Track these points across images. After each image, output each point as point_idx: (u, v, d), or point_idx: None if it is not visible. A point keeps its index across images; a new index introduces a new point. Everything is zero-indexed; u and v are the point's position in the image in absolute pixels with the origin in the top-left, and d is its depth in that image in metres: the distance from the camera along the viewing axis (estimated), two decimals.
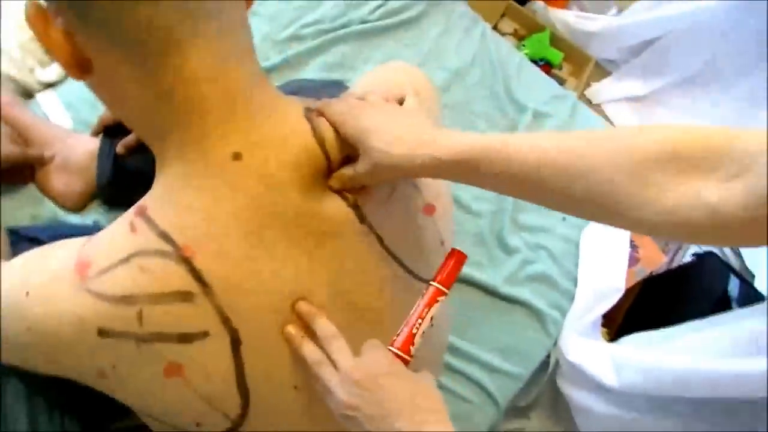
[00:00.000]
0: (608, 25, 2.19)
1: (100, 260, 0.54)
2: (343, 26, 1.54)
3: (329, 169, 0.61)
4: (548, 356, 1.40)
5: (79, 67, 0.54)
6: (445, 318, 0.97)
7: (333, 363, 0.59)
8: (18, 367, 0.64)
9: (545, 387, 1.45)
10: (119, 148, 1.11)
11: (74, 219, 1.10)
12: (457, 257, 0.66)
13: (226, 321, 0.56)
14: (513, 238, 1.42)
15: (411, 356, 0.61)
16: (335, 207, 0.62)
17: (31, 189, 1.15)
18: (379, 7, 1.61)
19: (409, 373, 0.59)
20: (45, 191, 1.15)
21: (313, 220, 0.60)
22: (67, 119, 1.25)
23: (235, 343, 0.57)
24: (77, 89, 1.29)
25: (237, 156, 0.56)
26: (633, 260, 1.61)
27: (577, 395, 1.41)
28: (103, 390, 0.60)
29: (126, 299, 0.53)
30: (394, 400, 0.56)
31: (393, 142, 0.57)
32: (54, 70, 1.31)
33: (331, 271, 0.63)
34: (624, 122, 2.10)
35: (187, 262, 0.54)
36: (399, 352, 0.61)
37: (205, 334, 0.55)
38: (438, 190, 0.73)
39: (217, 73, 0.53)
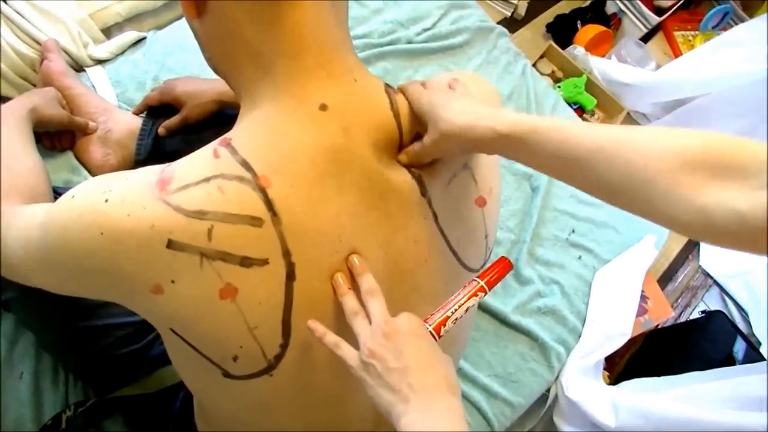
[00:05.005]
0: (645, 79, 2.21)
1: (181, 178, 0.57)
2: (390, 43, 1.59)
3: (400, 143, 0.68)
4: (548, 390, 1.41)
5: (197, 6, 0.61)
6: (470, 324, 1.00)
7: (368, 317, 0.62)
8: (55, 289, 0.65)
9: (541, 421, 1.45)
10: (161, 129, 1.15)
11: None
12: (505, 265, 0.72)
13: (286, 253, 0.59)
14: (527, 269, 1.44)
15: (440, 337, 0.65)
16: (401, 176, 0.67)
17: (69, 156, 1.19)
18: (427, 30, 1.66)
19: (435, 344, 0.63)
20: (82, 160, 1.19)
21: (381, 179, 0.65)
22: (113, 95, 1.29)
23: (290, 276, 0.60)
24: (125, 68, 1.34)
25: (323, 107, 0.61)
26: (641, 310, 1.61)
27: None
28: (145, 310, 0.62)
29: (200, 213, 0.56)
30: (414, 357, 0.59)
31: (458, 113, 0.64)
32: (105, 48, 1.35)
33: (388, 233, 0.67)
34: None
35: (262, 191, 0.58)
36: (431, 329, 0.64)
37: (264, 262, 0.58)
38: (491, 185, 0.78)
39: (321, 31, 0.61)
